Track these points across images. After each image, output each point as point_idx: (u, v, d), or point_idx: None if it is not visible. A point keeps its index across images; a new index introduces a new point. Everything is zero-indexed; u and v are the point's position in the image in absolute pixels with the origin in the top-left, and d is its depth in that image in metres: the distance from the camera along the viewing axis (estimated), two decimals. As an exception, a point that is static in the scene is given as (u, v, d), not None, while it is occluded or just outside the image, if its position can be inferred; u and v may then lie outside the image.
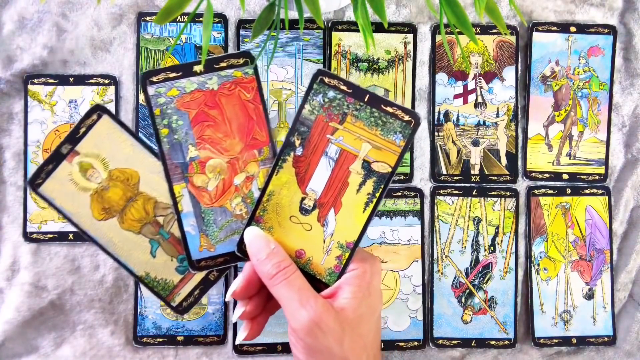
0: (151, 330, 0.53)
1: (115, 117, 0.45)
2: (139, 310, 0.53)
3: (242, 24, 0.54)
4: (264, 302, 0.44)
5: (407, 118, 0.42)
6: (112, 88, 0.54)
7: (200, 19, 0.54)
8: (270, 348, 0.54)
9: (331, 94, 0.43)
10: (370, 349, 0.40)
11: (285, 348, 0.54)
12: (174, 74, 0.44)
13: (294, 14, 0.55)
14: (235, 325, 0.53)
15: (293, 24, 0.54)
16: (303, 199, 0.43)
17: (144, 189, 0.46)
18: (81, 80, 0.54)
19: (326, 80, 0.43)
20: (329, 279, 0.43)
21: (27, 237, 0.53)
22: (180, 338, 0.53)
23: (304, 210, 0.43)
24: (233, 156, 0.45)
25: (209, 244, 0.45)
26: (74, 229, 0.53)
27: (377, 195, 0.42)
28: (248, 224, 0.43)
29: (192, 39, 0.54)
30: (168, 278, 0.47)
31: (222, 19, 0.54)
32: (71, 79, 0.54)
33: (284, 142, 0.43)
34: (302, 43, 0.54)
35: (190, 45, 0.54)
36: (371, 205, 0.43)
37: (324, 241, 0.43)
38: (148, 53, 0.54)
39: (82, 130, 0.45)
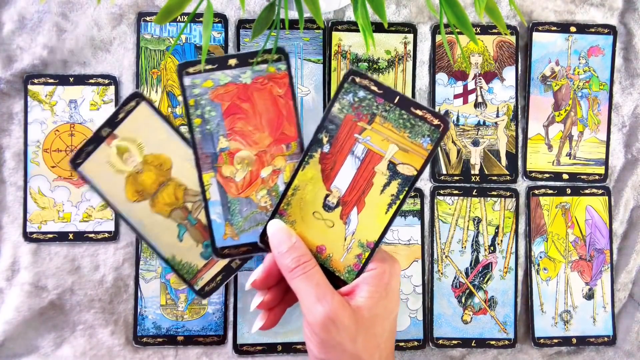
0: (151, 330, 0.53)
1: (153, 105, 0.47)
2: (139, 310, 0.53)
3: (242, 24, 0.54)
4: (282, 293, 0.45)
5: (436, 122, 0.42)
6: (112, 88, 0.54)
7: (200, 19, 0.54)
8: (270, 348, 0.54)
9: (361, 93, 0.43)
10: (383, 349, 0.41)
11: (285, 348, 0.54)
12: (209, 66, 0.45)
13: (294, 14, 0.55)
14: (235, 324, 0.53)
15: (293, 24, 0.54)
16: (327, 195, 0.43)
17: (176, 175, 0.48)
18: (81, 80, 0.54)
19: (357, 80, 0.43)
20: (348, 277, 0.43)
21: (27, 237, 0.53)
22: (180, 338, 0.53)
23: (327, 207, 0.43)
24: (261, 149, 0.46)
25: (233, 233, 0.46)
26: (73, 229, 0.53)
27: (401, 197, 0.42)
28: (272, 217, 0.44)
29: (192, 39, 0.54)
30: (193, 262, 0.48)
31: (222, 19, 0.54)
32: (71, 79, 0.54)
33: (312, 139, 0.44)
34: (302, 43, 0.54)
35: (190, 45, 0.54)
36: (394, 207, 0.43)
37: (345, 239, 0.43)
38: (148, 53, 0.54)
39: (122, 115, 0.47)
